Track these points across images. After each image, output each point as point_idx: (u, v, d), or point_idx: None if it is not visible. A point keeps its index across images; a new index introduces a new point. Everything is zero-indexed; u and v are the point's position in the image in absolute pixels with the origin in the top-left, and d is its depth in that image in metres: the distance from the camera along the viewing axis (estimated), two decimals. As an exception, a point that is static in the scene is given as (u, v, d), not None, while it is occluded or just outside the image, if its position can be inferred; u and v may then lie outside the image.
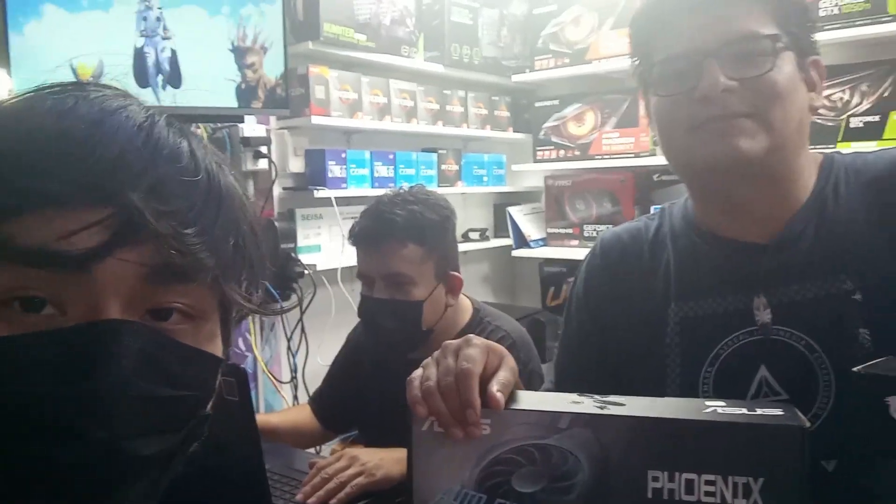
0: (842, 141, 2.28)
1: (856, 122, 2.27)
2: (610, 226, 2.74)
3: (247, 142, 2.10)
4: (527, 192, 3.22)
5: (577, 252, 2.79)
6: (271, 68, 1.94)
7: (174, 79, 1.76)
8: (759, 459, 0.57)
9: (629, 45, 0.89)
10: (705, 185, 0.84)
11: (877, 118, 2.24)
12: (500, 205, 3.18)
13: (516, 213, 3.04)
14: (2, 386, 0.40)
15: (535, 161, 2.98)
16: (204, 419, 0.49)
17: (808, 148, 0.84)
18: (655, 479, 0.60)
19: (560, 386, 0.99)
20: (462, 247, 2.94)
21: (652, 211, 2.37)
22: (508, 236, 3.04)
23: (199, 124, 2.01)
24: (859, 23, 2.19)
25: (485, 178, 2.99)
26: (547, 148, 2.95)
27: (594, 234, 2.85)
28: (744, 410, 0.61)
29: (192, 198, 0.45)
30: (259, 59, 1.91)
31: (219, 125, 2.06)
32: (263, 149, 2.17)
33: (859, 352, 0.75)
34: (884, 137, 2.22)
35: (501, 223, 3.15)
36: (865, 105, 2.26)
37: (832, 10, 2.24)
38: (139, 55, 1.70)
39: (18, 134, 0.43)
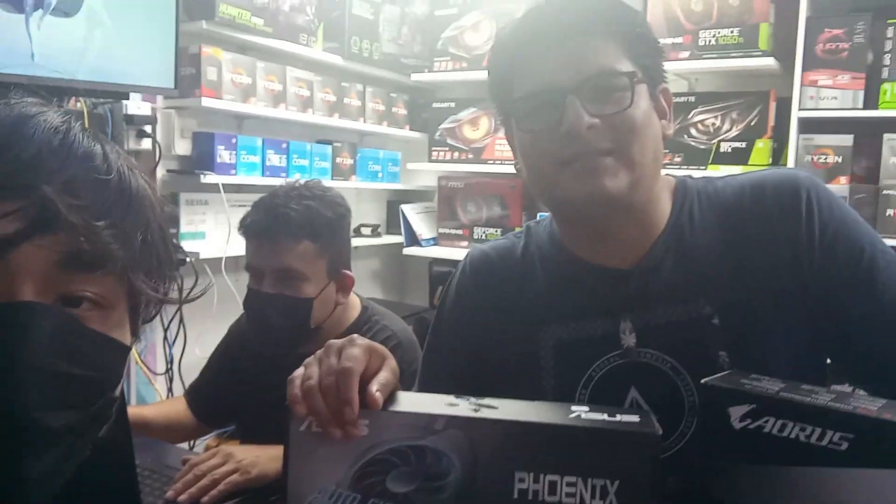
0: (712, 163, 2.46)
1: (725, 147, 2.45)
2: (499, 229, 2.83)
3: (130, 120, 2.00)
4: (420, 190, 3.25)
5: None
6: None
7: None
8: (615, 463, 0.61)
9: (488, 78, 0.90)
10: (572, 217, 0.87)
11: (743, 145, 2.43)
12: (394, 202, 3.19)
13: (409, 211, 3.06)
14: None
15: (430, 161, 3.01)
16: (111, 401, 0.53)
17: (663, 173, 0.88)
18: (521, 480, 0.62)
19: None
20: (354, 242, 2.91)
21: (538, 217, 2.45)
22: (400, 234, 3.05)
23: (80, 99, 1.89)
24: (733, 55, 2.37)
25: (379, 175, 2.99)
26: (442, 149, 2.99)
27: (483, 236, 2.92)
28: (605, 416, 0.64)
29: (103, 194, 0.50)
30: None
31: (100, 100, 1.95)
32: (148, 128, 2.07)
33: (719, 373, 0.78)
34: (749, 163, 2.41)
35: (394, 220, 3.16)
36: (734, 132, 2.44)
37: (710, 41, 2.41)
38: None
39: None
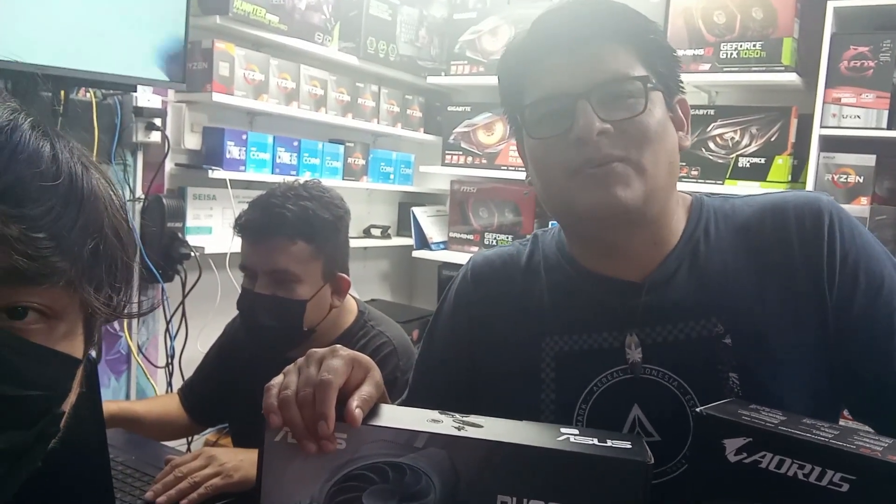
0: (729, 178, 2.41)
1: (743, 162, 2.41)
2: (510, 235, 2.80)
3: (139, 112, 2.00)
4: (432, 194, 3.23)
5: (475, 259, 2.82)
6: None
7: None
8: (603, 491, 0.58)
9: (499, 85, 0.87)
10: (582, 228, 0.83)
11: (762, 160, 2.38)
12: (405, 204, 3.17)
13: (420, 213, 3.04)
14: None
15: (443, 164, 2.99)
16: (57, 417, 0.50)
17: (678, 188, 0.85)
18: (504, 503, 0.59)
19: (410, 404, 0.95)
20: (363, 243, 2.92)
21: (551, 226, 2.42)
22: (411, 236, 3.04)
23: (89, 89, 1.89)
24: (755, 69, 2.33)
25: (391, 176, 2.98)
26: (455, 153, 2.97)
27: (494, 242, 2.89)
28: (595, 441, 0.61)
29: (48, 202, 0.46)
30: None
31: (110, 91, 1.95)
32: (157, 121, 2.07)
33: (728, 395, 0.75)
34: (767, 179, 2.36)
35: (405, 222, 3.14)
36: (753, 147, 2.40)
37: (731, 54, 2.37)
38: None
39: None
